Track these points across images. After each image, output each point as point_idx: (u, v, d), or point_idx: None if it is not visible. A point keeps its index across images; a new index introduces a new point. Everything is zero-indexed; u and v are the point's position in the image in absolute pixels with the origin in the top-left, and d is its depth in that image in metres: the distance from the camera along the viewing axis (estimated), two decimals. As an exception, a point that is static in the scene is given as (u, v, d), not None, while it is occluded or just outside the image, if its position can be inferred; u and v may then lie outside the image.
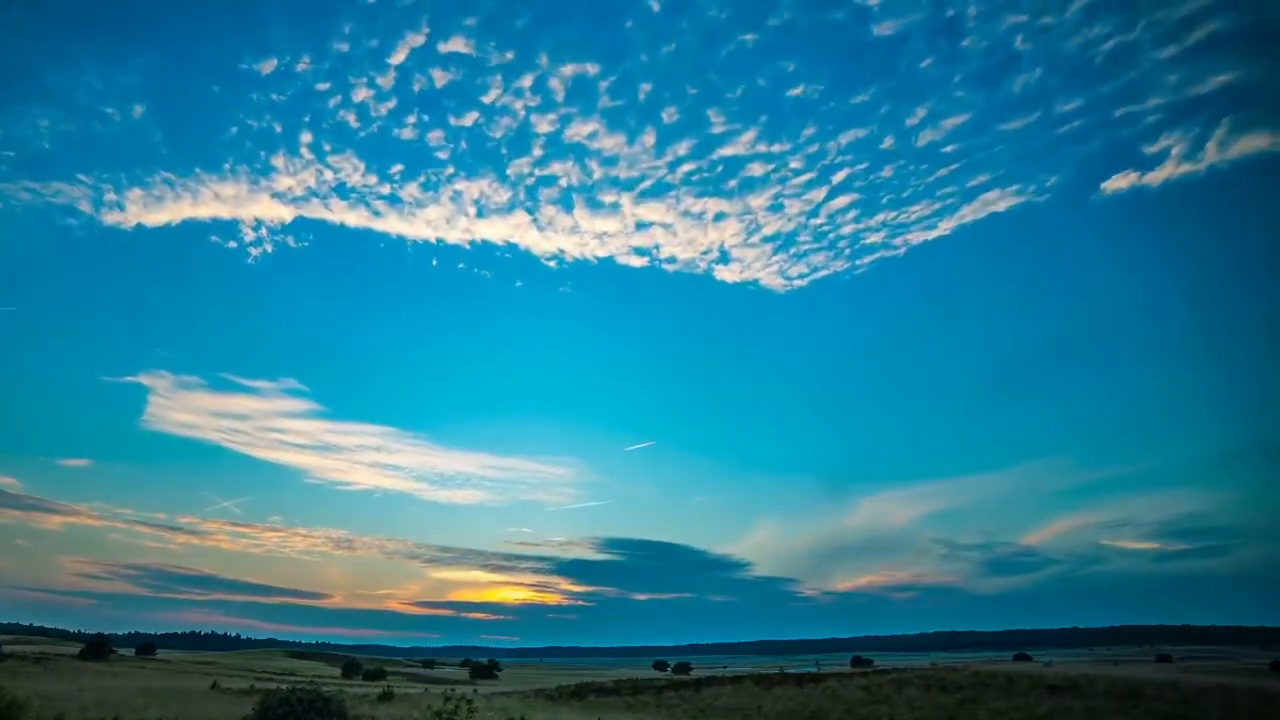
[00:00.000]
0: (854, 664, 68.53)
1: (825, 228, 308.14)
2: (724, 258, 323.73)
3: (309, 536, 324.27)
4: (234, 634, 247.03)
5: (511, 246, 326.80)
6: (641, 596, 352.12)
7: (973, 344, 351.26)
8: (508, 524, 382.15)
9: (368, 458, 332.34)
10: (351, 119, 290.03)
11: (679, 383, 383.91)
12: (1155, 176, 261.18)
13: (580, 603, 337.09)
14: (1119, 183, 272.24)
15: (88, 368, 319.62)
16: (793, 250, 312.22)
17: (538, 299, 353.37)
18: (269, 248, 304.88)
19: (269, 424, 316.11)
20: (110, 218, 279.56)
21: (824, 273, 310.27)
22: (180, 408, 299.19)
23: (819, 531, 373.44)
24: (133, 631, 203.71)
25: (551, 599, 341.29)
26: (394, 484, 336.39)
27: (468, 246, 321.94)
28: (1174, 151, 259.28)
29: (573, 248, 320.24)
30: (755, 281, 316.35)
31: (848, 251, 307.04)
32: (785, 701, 30.46)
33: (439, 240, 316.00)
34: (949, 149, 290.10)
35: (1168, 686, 28.10)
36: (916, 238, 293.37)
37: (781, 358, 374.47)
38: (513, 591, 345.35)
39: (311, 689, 18.60)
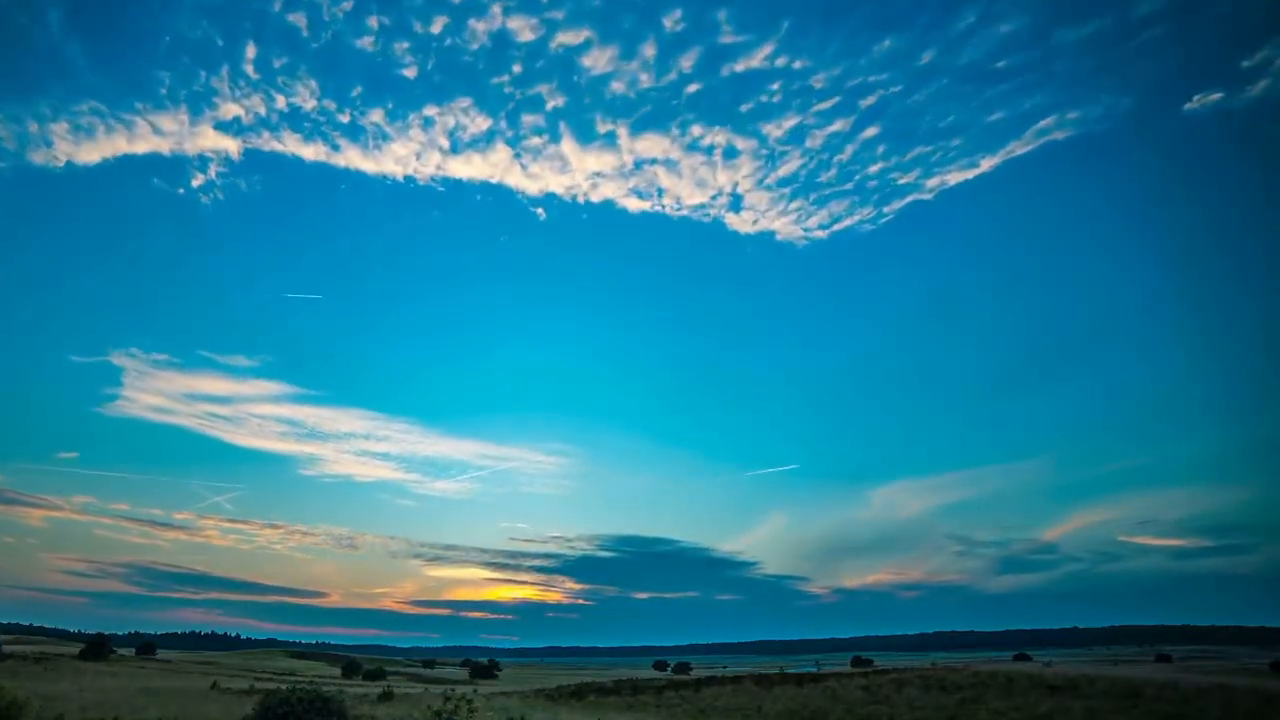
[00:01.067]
0: (854, 664, 68.51)
1: (851, 166, 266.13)
2: (735, 204, 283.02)
3: (308, 535, 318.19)
4: (232, 634, 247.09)
5: (491, 187, 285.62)
6: (643, 595, 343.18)
7: (1003, 314, 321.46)
8: (504, 519, 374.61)
9: (355, 445, 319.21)
10: (301, 24, 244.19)
11: (685, 364, 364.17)
12: (1245, 95, 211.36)
13: (580, 601, 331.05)
14: (1198, 104, 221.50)
15: (54, 347, 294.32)
16: (813, 195, 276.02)
17: (525, 258, 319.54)
18: (220, 194, 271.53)
19: (251, 410, 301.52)
20: (38, 156, 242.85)
21: (847, 222, 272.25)
22: (155, 390, 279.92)
23: (829, 526, 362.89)
24: (133, 631, 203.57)
25: (551, 597, 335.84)
26: (385, 474, 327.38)
27: (441, 188, 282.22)
28: (1277, 62, 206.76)
29: (563, 190, 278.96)
30: (771, 234, 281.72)
31: (875, 196, 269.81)
32: (785, 701, 30.44)
33: (408, 179, 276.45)
34: (1000, 64, 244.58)
35: (1168, 686, 28.10)
36: (954, 178, 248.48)
37: (794, 331, 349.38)
38: (511, 590, 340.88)
39: (311, 689, 18.60)
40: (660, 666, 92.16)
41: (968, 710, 26.73)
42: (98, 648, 52.41)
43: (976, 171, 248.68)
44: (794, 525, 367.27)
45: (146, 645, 72.89)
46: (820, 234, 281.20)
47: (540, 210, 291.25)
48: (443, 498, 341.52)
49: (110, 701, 23.04)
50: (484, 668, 74.53)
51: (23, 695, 18.16)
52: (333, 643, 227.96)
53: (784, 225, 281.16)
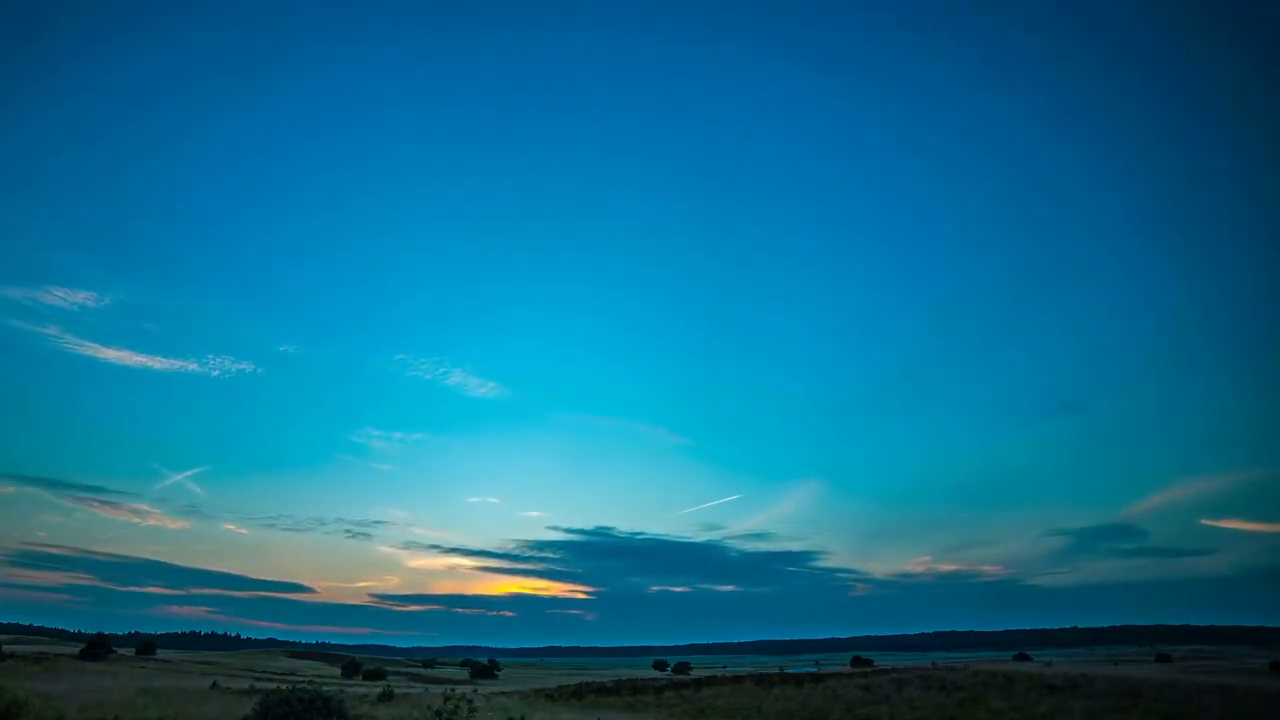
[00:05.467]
0: (854, 664, 68.52)
1: None
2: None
3: (297, 531, 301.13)
4: (231, 633, 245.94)
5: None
6: (654, 589, 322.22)
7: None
8: (495, 502, 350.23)
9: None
10: None
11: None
12: None
13: (582, 596, 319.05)
14: None
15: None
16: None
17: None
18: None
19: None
20: None
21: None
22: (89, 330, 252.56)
23: (873, 494, 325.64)
24: (133, 631, 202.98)
25: (548, 591, 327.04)
26: (371, 445, 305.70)
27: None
28: None
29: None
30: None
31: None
32: (785, 701, 30.45)
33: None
34: None
35: (1168, 686, 28.11)
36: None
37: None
38: (510, 586, 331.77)
39: (312, 689, 18.61)
40: (660, 666, 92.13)
41: (967, 710, 26.73)
42: (98, 647, 52.43)
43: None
44: (831, 494, 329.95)
45: (146, 645, 72.90)
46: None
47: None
48: (436, 481, 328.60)
49: (110, 701, 23.04)
50: (484, 667, 74.54)
51: (23, 695, 18.16)
52: (326, 641, 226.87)
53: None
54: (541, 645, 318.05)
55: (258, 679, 41.99)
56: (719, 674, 48.71)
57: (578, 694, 36.54)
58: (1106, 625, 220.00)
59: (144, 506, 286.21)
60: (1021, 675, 32.54)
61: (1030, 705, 26.39)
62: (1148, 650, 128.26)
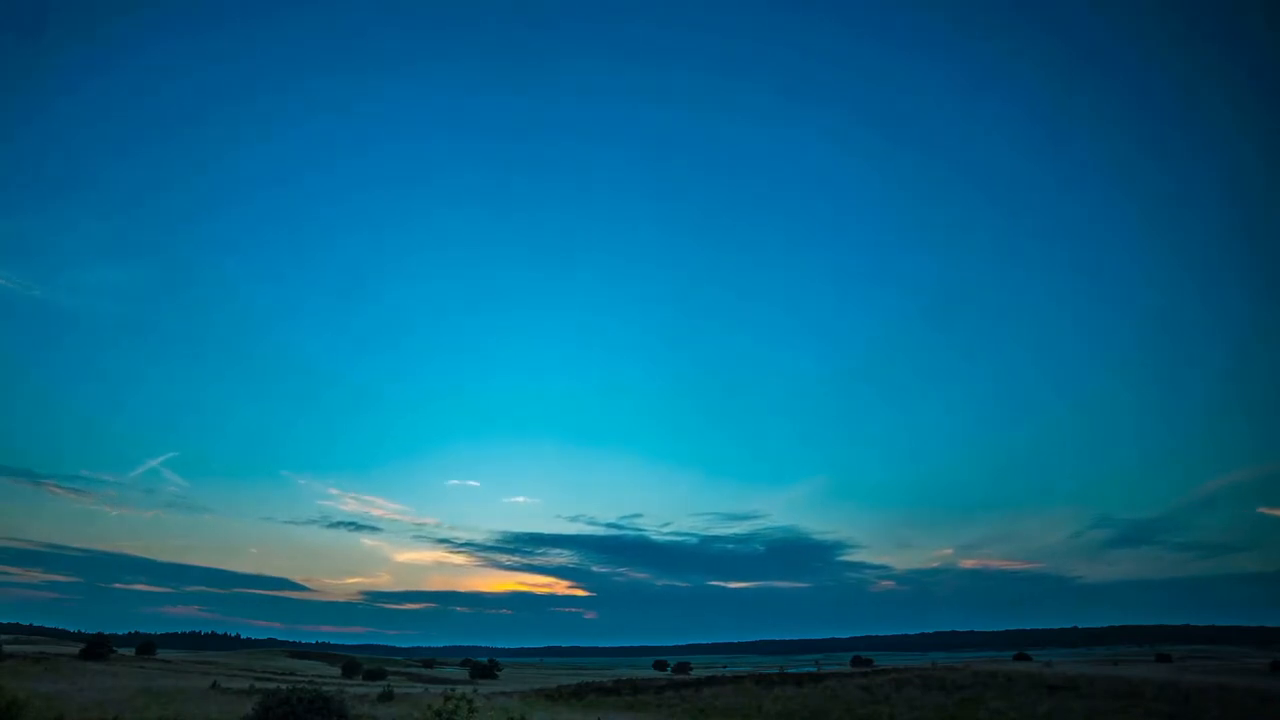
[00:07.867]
0: (854, 664, 68.51)
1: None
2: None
3: (281, 523, 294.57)
4: (232, 633, 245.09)
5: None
6: (661, 583, 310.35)
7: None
8: (496, 491, 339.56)
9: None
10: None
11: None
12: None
13: (583, 593, 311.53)
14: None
15: None
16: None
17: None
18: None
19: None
20: None
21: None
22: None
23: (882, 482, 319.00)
24: (133, 631, 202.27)
25: (550, 588, 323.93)
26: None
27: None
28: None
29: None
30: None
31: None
32: (785, 701, 30.44)
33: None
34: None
35: (1168, 686, 28.12)
36: None
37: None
38: (509, 584, 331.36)
39: (311, 689, 18.62)
40: (660, 666, 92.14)
41: (967, 710, 26.73)
42: (98, 647, 52.40)
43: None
44: (853, 488, 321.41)
45: (146, 645, 72.84)
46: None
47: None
48: (432, 473, 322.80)
49: (110, 701, 23.06)
50: (484, 667, 74.47)
51: (23, 695, 18.15)
52: (325, 641, 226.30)
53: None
54: (541, 645, 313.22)
55: (258, 679, 41.97)
56: (719, 674, 48.71)
57: (578, 694, 36.53)
58: (1104, 625, 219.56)
59: (113, 494, 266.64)
60: (1021, 675, 32.55)
61: (1030, 705, 26.40)
62: (1147, 650, 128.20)
